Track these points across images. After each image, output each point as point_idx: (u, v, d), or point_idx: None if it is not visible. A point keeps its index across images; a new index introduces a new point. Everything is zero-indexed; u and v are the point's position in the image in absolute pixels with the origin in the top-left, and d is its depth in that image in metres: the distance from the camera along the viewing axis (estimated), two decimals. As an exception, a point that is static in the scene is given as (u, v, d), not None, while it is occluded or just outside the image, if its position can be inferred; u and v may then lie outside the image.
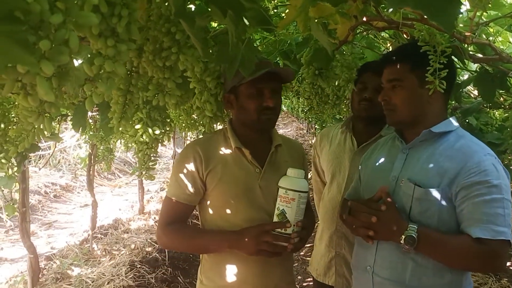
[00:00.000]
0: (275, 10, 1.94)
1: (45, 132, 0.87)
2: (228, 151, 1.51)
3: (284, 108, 14.23)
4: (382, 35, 1.91)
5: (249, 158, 1.50)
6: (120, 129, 1.15)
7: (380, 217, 1.35)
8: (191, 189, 1.47)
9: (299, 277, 4.36)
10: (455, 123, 1.44)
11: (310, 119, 9.52)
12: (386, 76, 1.45)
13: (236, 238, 1.42)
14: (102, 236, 5.24)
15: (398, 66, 1.41)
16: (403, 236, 1.29)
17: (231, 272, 1.49)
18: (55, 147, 5.27)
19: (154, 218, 5.90)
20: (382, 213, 1.35)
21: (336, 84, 2.02)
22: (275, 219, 1.40)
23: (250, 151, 1.49)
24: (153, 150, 1.47)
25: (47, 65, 0.53)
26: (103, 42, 0.71)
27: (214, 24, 1.66)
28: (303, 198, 1.40)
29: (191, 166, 1.47)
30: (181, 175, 1.48)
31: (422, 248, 1.30)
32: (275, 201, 1.45)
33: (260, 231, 1.38)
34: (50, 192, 7.49)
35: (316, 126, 9.58)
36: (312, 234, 1.68)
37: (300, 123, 18.34)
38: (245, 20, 1.08)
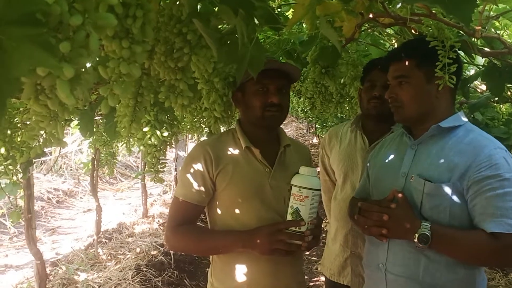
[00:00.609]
0: (279, 10, 1.94)
1: (58, 137, 0.87)
2: (237, 151, 1.51)
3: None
4: (387, 31, 1.90)
5: (259, 157, 1.50)
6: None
7: (392, 215, 1.34)
8: (201, 189, 1.45)
9: (305, 277, 4.35)
10: (464, 118, 1.43)
11: (311, 119, 9.52)
12: (392, 73, 1.44)
13: (250, 238, 1.40)
14: (107, 241, 5.24)
15: (404, 63, 1.39)
16: (417, 235, 1.28)
17: (242, 273, 1.48)
18: (60, 152, 5.26)
19: (158, 221, 5.89)
20: (394, 211, 1.34)
21: (342, 82, 2.02)
22: (289, 217, 1.38)
23: (259, 151, 1.49)
24: (162, 152, 1.46)
25: (67, 67, 0.52)
26: (117, 43, 0.70)
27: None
28: (317, 196, 1.39)
29: (201, 166, 1.45)
30: (191, 176, 1.46)
31: (436, 245, 1.29)
32: (285, 200, 1.45)
33: (274, 229, 1.37)
34: (52, 198, 7.49)
35: (316, 126, 9.58)
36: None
37: (300, 122, 18.33)
38: (255, 19, 1.07)
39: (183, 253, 4.31)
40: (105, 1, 0.57)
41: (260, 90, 1.45)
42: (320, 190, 1.41)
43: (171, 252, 4.37)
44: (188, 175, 1.47)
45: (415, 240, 1.29)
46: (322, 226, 1.60)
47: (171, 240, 1.51)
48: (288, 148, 1.58)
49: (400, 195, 1.36)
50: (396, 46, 1.96)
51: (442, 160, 1.35)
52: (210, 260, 1.63)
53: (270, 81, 1.44)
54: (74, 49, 0.54)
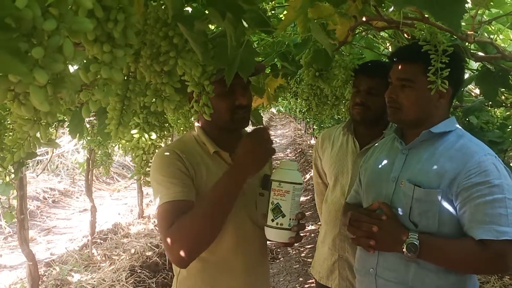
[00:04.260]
0: (273, 12, 1.92)
1: (41, 140, 0.85)
2: (206, 157, 1.41)
3: (282, 108, 14.27)
4: (381, 35, 1.89)
5: (228, 161, 1.41)
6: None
7: (382, 226, 1.34)
8: (188, 185, 1.31)
9: (300, 279, 4.35)
10: (455, 123, 1.42)
11: (308, 120, 9.54)
12: (397, 74, 1.40)
13: (239, 161, 1.27)
14: (102, 241, 5.22)
15: (410, 66, 1.37)
16: (405, 245, 1.28)
17: (216, 284, 1.40)
18: (53, 152, 5.24)
19: (154, 222, 5.86)
20: (383, 222, 1.34)
21: (334, 84, 2.01)
22: (270, 214, 1.31)
23: (229, 154, 1.41)
24: (150, 155, 1.43)
25: (41, 73, 0.50)
26: (99, 47, 0.69)
27: (212, 27, 1.64)
28: (298, 190, 1.30)
29: (179, 166, 1.33)
30: (172, 176, 1.31)
31: (425, 255, 1.29)
32: (256, 204, 1.42)
33: (265, 136, 1.29)
34: (48, 197, 7.46)
35: (314, 127, 9.59)
36: (314, 235, 1.64)
37: (298, 123, 18.37)
38: (244, 22, 1.06)
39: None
40: (81, 5, 0.55)
41: (225, 92, 1.31)
42: (301, 184, 1.33)
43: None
44: (169, 177, 1.31)
45: (404, 250, 1.29)
46: (315, 228, 1.56)
47: (171, 241, 1.24)
48: None
49: (385, 211, 1.35)
50: (390, 49, 1.95)
51: (432, 166, 1.34)
52: (176, 273, 1.48)
53: (236, 81, 1.22)
54: (49, 55, 0.52)
